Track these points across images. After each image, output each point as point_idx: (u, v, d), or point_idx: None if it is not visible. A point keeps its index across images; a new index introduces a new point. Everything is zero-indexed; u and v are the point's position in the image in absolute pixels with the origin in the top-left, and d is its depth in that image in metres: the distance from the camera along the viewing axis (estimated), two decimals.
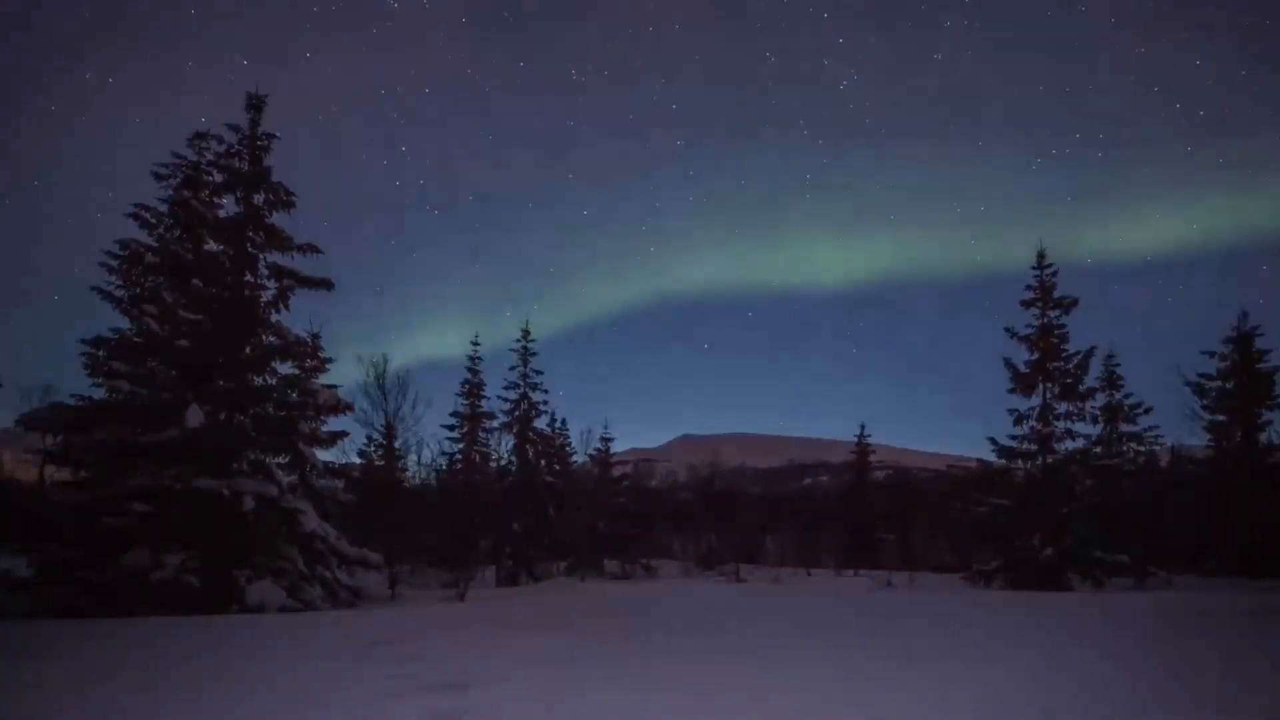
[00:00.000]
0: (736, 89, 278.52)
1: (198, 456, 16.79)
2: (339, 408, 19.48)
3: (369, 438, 28.69)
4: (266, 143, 19.34)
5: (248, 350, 18.77)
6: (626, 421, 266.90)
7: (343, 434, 20.94)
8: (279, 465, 18.74)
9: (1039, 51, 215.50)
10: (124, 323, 18.13)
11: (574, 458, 40.48)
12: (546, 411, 36.09)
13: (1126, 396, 31.31)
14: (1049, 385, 28.11)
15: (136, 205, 18.74)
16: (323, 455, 20.15)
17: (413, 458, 30.40)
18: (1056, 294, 28.05)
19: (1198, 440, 32.55)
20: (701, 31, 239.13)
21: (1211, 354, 30.93)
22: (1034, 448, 28.02)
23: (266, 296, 19.27)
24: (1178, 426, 48.39)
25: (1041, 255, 28.24)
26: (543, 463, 36.03)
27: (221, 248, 19.03)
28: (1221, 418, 31.00)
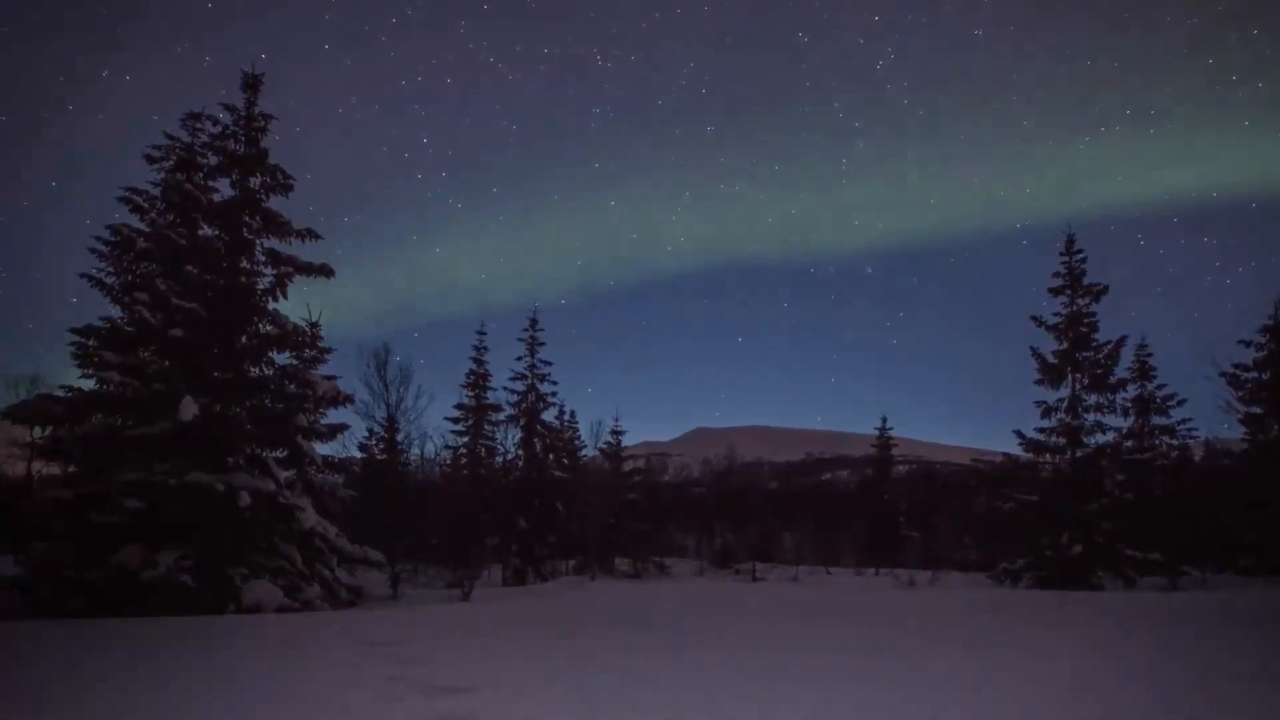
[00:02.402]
0: (769, 70, 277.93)
1: (192, 450, 16.64)
2: (339, 400, 19.30)
3: (370, 431, 28.64)
4: (263, 123, 19.13)
5: (244, 340, 18.61)
6: (638, 414, 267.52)
7: (343, 427, 20.81)
8: (276, 460, 18.55)
9: (1085, 25, 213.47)
10: (115, 311, 18.01)
11: (583, 451, 40.37)
12: (555, 403, 35.83)
13: (1159, 387, 30.95)
14: (1078, 376, 27.85)
15: (127, 189, 18.61)
16: (322, 449, 20.03)
17: (415, 451, 30.28)
18: (1086, 280, 27.77)
19: (1233, 433, 32.26)
20: (731, 12, 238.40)
21: (1248, 343, 30.48)
22: (1062, 441, 27.78)
23: (263, 283, 19.09)
24: (1212, 419, 48.01)
25: (1071, 241, 27.99)
26: (551, 457, 35.80)
27: (216, 233, 18.85)
28: (1257, 410, 30.56)
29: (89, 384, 17.21)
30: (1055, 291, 28.08)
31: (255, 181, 19.03)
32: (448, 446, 33.99)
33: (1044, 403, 28.04)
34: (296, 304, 19.47)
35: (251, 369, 18.86)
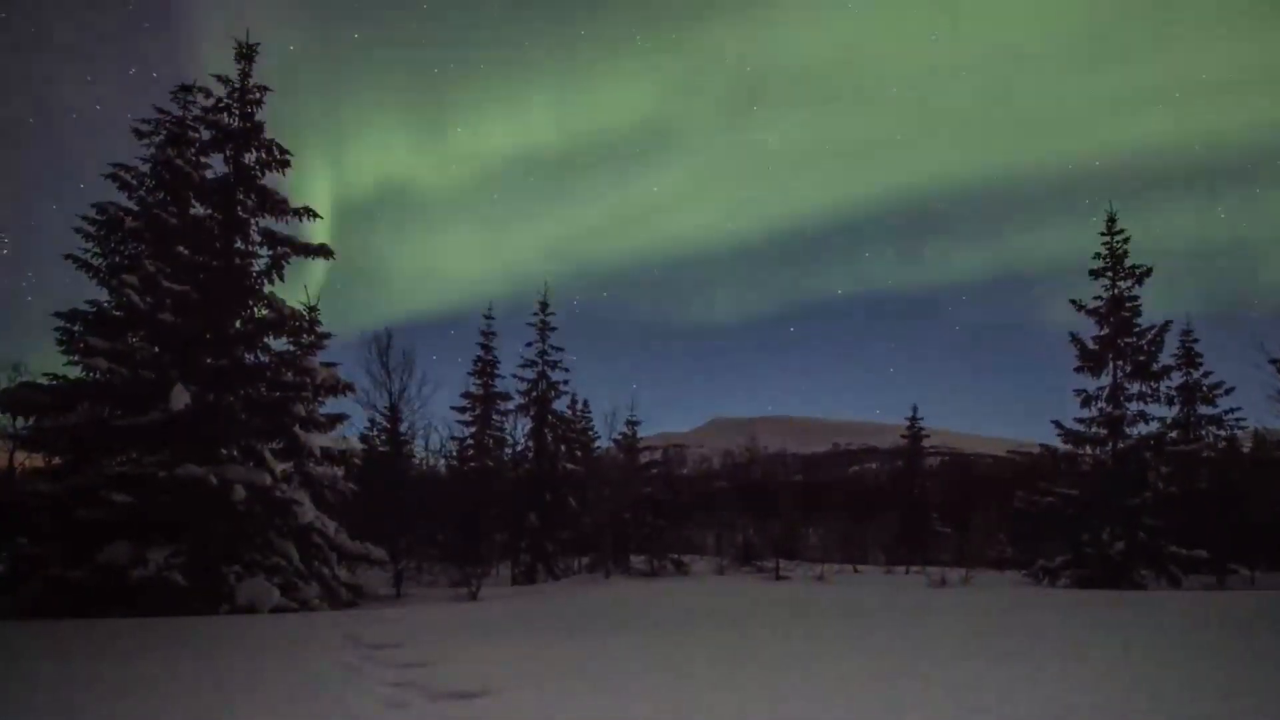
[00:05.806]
0: (814, 48, 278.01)
1: (183, 441, 16.53)
2: (338, 388, 19.15)
3: (371, 421, 28.49)
4: (259, 95, 18.94)
5: (238, 324, 18.46)
6: (655, 403, 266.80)
7: (343, 417, 20.73)
8: (272, 451, 18.37)
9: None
10: (102, 294, 17.88)
11: (597, 443, 40.09)
12: (567, 392, 35.38)
13: (1205, 375, 30.38)
14: (1119, 363, 27.41)
15: (115, 165, 18.40)
16: (321, 440, 19.78)
17: (420, 443, 30.13)
18: (1128, 263, 27.29)
19: None
20: None
21: None
22: (1103, 432, 27.33)
23: (259, 265, 18.94)
24: (1261, 408, 47.35)
25: (1112, 220, 27.46)
26: (562, 448, 35.49)
27: (209, 211, 18.66)
28: None
29: (75, 371, 17.07)
30: (1096, 273, 27.62)
31: (250, 157, 18.85)
32: (454, 437, 33.83)
33: (1083, 391, 27.63)
34: (295, 287, 19.30)
35: (246, 355, 18.66)
